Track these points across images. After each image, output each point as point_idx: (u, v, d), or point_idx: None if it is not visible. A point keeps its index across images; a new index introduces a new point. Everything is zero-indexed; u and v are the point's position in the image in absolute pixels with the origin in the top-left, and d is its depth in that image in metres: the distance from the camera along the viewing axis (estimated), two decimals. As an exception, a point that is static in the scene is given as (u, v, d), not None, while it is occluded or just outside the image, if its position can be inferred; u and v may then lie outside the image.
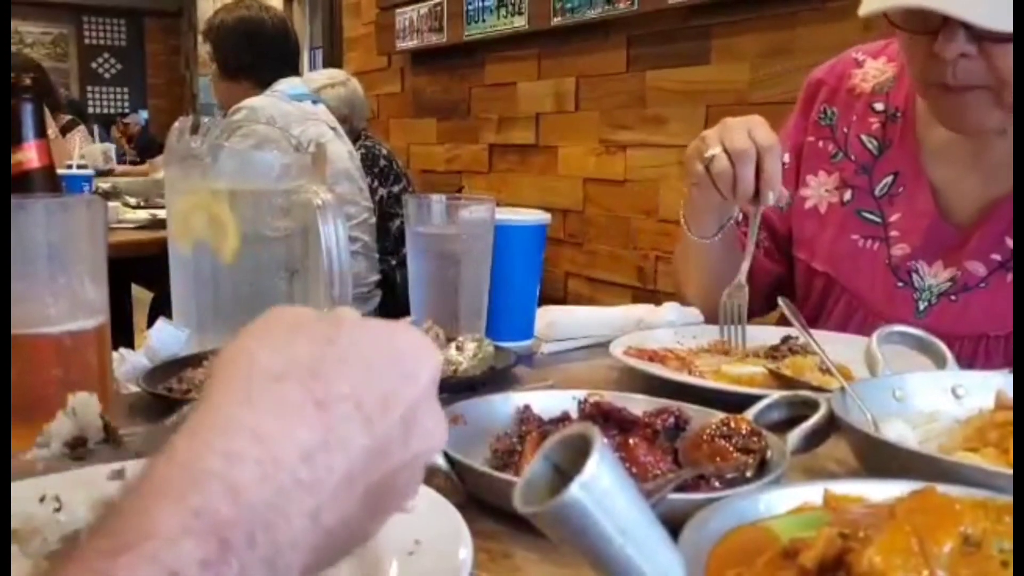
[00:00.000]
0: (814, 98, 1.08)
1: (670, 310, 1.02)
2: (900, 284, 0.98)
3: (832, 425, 0.59)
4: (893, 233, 0.99)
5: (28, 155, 0.85)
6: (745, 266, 0.95)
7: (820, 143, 1.06)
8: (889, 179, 1.01)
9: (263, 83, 2.23)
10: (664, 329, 0.97)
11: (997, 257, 0.93)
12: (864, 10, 0.83)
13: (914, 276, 0.97)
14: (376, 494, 0.32)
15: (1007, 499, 0.45)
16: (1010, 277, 0.92)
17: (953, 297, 0.95)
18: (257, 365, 0.32)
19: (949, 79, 0.84)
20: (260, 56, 2.26)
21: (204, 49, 2.51)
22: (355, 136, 2.48)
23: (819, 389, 0.71)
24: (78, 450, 0.55)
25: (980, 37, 0.80)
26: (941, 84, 0.85)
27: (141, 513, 0.26)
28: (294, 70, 2.37)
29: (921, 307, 0.96)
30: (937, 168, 0.98)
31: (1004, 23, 0.77)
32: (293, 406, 0.30)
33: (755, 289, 1.03)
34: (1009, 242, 0.92)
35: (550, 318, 0.99)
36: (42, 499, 0.44)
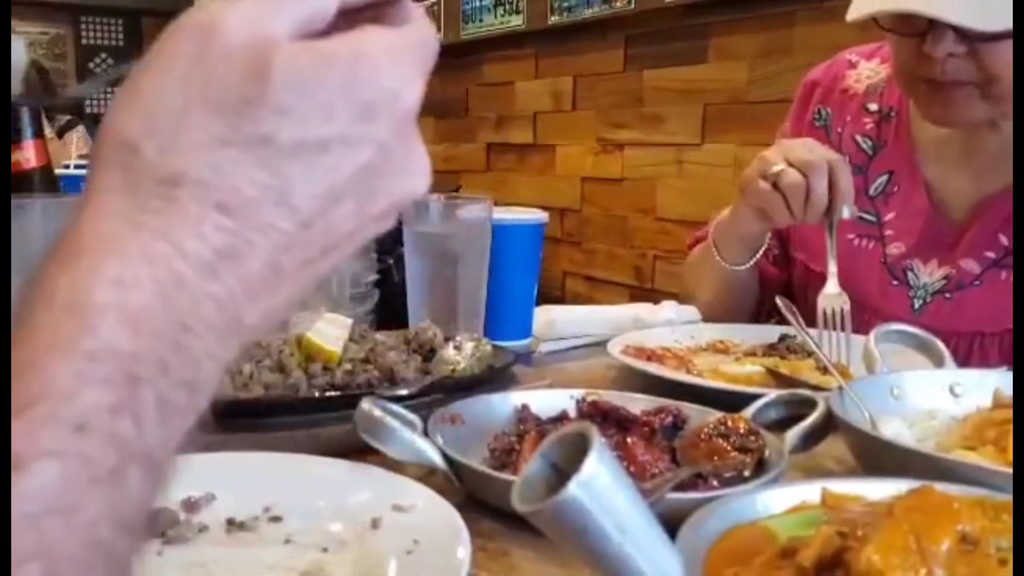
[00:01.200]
0: (809, 99, 1.09)
1: (668, 308, 1.03)
2: (895, 283, 0.98)
3: (830, 424, 0.59)
4: (888, 232, 1.00)
5: (26, 155, 0.85)
6: (832, 270, 0.91)
7: None
8: (883, 179, 1.02)
9: None
10: (662, 328, 0.97)
11: (991, 255, 0.93)
12: (852, 15, 0.85)
13: (909, 274, 0.98)
14: (316, 261, 0.29)
15: (1005, 497, 0.45)
16: (1004, 275, 0.92)
17: (948, 295, 0.95)
18: (142, 163, 0.26)
19: (938, 76, 0.85)
20: None
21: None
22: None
23: (817, 388, 0.71)
24: None
25: (968, 36, 0.81)
26: (928, 80, 0.86)
27: (30, 369, 0.23)
28: None
29: (916, 305, 0.97)
30: (930, 166, 0.99)
31: (991, 23, 0.79)
32: (189, 216, 0.26)
33: (763, 296, 1.04)
34: (1003, 239, 0.93)
35: (548, 317, 0.99)
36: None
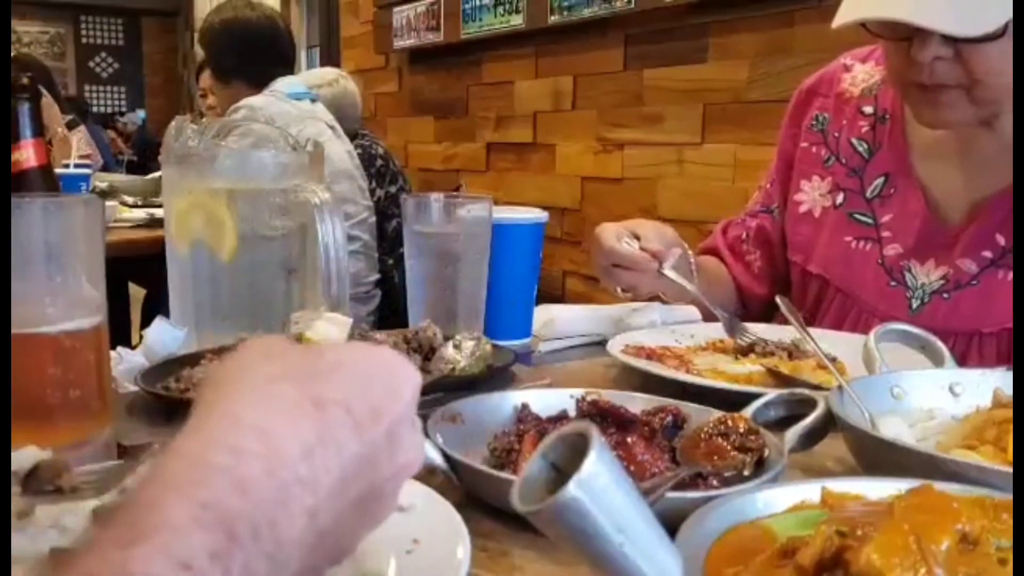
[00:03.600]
0: (805, 105, 1.11)
1: (652, 310, 1.02)
2: (893, 283, 0.99)
3: (830, 423, 0.59)
4: (885, 234, 1.01)
5: (25, 154, 0.85)
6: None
7: (813, 148, 1.09)
8: (880, 181, 1.02)
9: (256, 83, 2.22)
10: (662, 327, 0.97)
11: (988, 254, 0.93)
12: (837, 22, 0.86)
13: (907, 275, 0.98)
14: (365, 501, 0.33)
15: (1005, 497, 0.45)
16: (1002, 274, 0.92)
17: (946, 295, 0.95)
18: (254, 370, 0.33)
19: (925, 79, 0.86)
20: (249, 56, 2.24)
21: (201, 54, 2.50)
22: (351, 136, 2.47)
23: (817, 387, 0.71)
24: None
25: (954, 40, 0.82)
26: (918, 83, 0.87)
27: (152, 506, 0.27)
28: (289, 68, 2.36)
29: (914, 305, 0.97)
30: (926, 167, 1.00)
31: (974, 27, 0.80)
32: (292, 404, 0.31)
33: (750, 315, 1.07)
34: (1000, 239, 0.93)
35: (548, 316, 0.99)
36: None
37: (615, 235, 0.96)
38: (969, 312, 0.93)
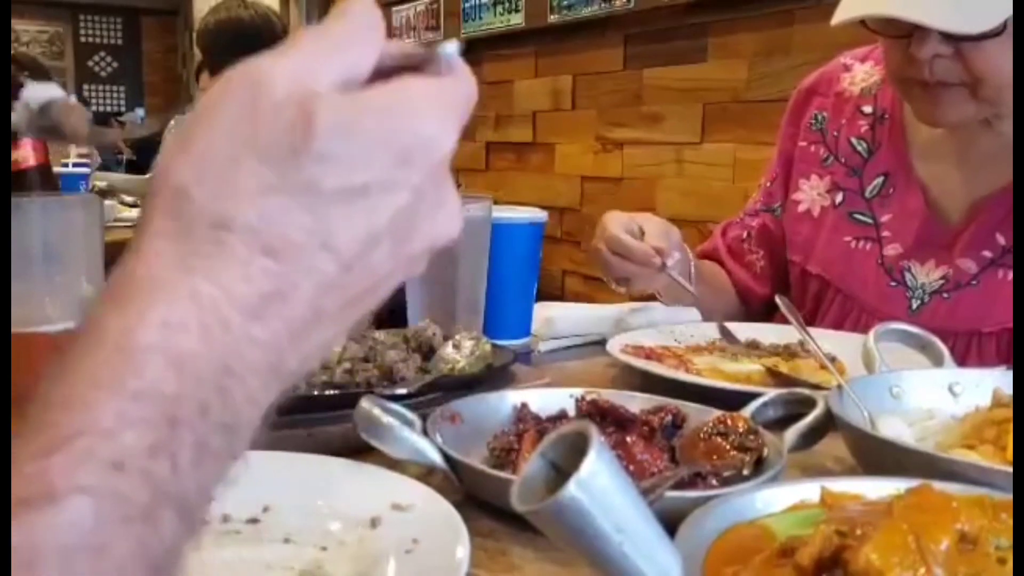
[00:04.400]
0: (804, 104, 1.11)
1: (654, 310, 1.02)
2: (893, 283, 0.99)
3: (829, 423, 0.59)
4: (885, 233, 1.01)
5: (24, 153, 0.85)
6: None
7: (812, 147, 1.08)
8: (879, 180, 1.02)
9: None
10: (661, 327, 0.97)
11: (988, 254, 0.93)
12: (836, 19, 0.85)
13: (907, 275, 0.98)
14: (354, 303, 0.30)
15: (1004, 496, 0.45)
16: (1002, 274, 0.92)
17: (946, 295, 0.95)
18: (194, 209, 0.27)
19: (926, 76, 0.86)
20: (244, 55, 2.23)
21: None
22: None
23: (816, 387, 0.71)
24: None
25: (953, 38, 0.82)
26: (918, 81, 0.87)
27: (74, 405, 0.24)
28: None
29: (914, 306, 0.97)
30: (925, 167, 1.00)
31: (973, 25, 0.80)
32: (237, 260, 0.27)
33: (750, 315, 1.07)
34: (1000, 239, 0.93)
35: (548, 314, 0.99)
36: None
37: (622, 225, 0.94)
38: (969, 312, 0.93)
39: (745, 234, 1.14)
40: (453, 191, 0.32)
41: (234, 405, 0.26)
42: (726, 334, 0.93)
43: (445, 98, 0.30)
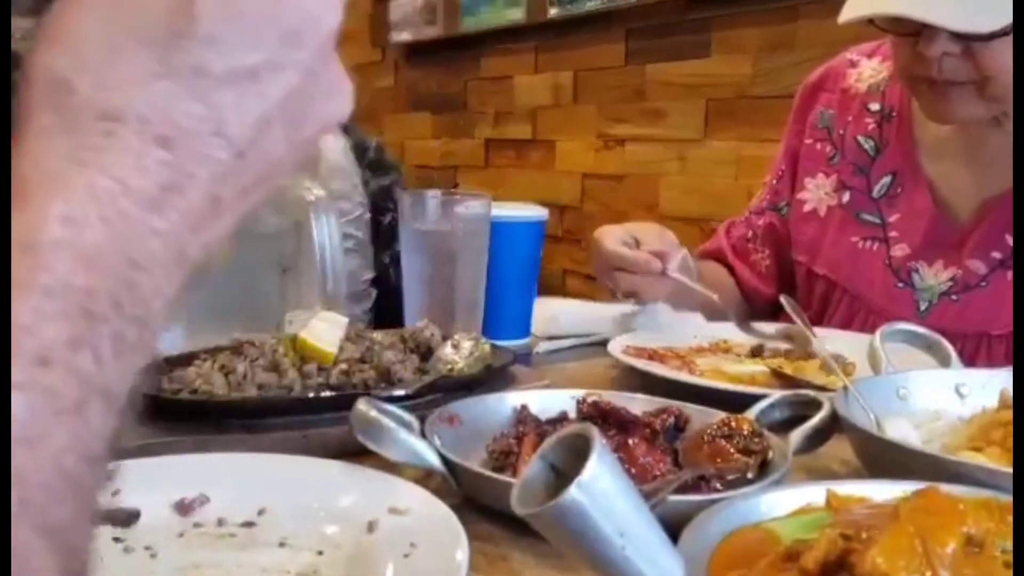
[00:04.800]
0: (811, 100, 1.10)
1: (658, 310, 1.01)
2: (900, 284, 0.98)
3: (835, 425, 0.58)
4: (893, 234, 1.00)
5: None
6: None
7: (818, 145, 1.07)
8: (887, 179, 1.01)
9: None
10: (664, 327, 0.96)
11: (997, 255, 0.93)
12: (843, 18, 0.85)
13: (914, 276, 0.97)
14: (250, 191, 0.29)
15: (1010, 499, 0.44)
16: (1010, 275, 0.91)
17: (954, 297, 0.95)
18: (78, 100, 0.26)
19: (934, 74, 0.85)
20: None
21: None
22: (342, 129, 2.46)
23: (822, 388, 0.70)
24: None
25: (962, 37, 0.81)
26: (926, 78, 0.86)
27: None
28: None
29: (922, 307, 0.96)
30: (934, 166, 0.99)
31: (982, 24, 0.79)
32: (131, 152, 0.26)
33: (755, 316, 1.04)
34: (1009, 240, 0.92)
35: (549, 312, 0.98)
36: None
37: (616, 238, 0.93)
38: (977, 314, 0.93)
39: (750, 233, 1.13)
40: (342, 70, 0.32)
41: (143, 297, 0.26)
42: (747, 328, 0.91)
43: None
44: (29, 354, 0.23)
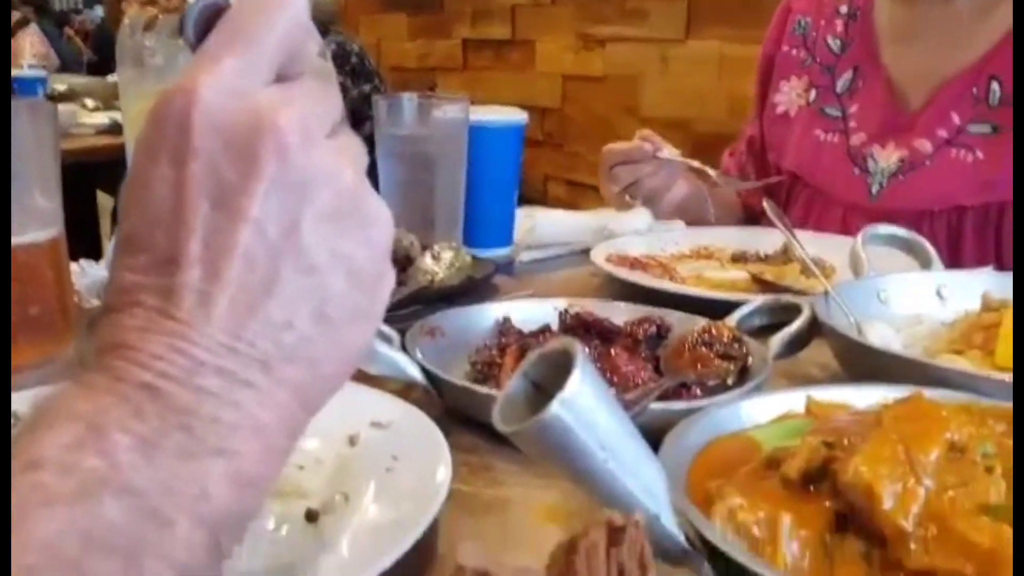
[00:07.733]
0: (789, 10, 1.12)
1: (638, 216, 1.00)
2: (857, 171, 1.00)
3: (815, 329, 0.58)
4: (852, 124, 1.02)
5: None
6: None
7: (793, 51, 1.10)
8: (849, 74, 1.04)
9: None
10: (646, 235, 0.96)
11: (943, 133, 0.94)
12: None
13: (868, 161, 1.00)
14: (309, 377, 0.29)
15: (991, 402, 0.45)
16: (954, 153, 0.93)
17: (901, 176, 0.97)
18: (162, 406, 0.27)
19: None
20: None
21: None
22: (323, 32, 2.35)
23: (802, 293, 0.70)
24: None
25: None
26: None
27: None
28: None
29: (874, 191, 0.98)
30: (891, 51, 1.01)
31: None
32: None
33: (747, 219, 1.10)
34: (955, 118, 0.93)
35: (531, 220, 0.96)
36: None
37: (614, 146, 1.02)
38: (922, 192, 0.95)
39: (744, 147, 1.16)
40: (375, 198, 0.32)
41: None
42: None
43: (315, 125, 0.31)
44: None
